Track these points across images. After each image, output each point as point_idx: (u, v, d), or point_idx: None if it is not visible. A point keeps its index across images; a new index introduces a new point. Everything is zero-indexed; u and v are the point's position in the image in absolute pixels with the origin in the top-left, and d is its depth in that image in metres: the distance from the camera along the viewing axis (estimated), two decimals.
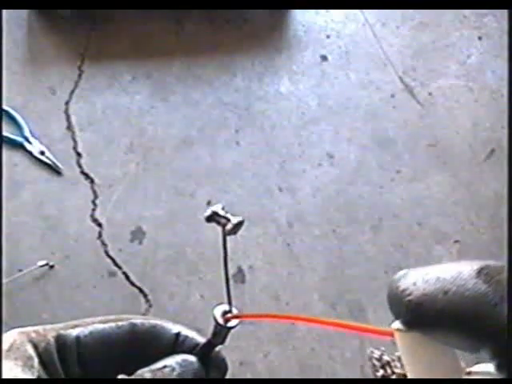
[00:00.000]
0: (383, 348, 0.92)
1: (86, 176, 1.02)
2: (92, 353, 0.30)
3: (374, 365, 0.91)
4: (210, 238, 0.98)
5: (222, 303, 0.32)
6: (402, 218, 1.02)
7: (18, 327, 0.29)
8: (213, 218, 0.31)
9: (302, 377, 0.90)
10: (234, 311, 0.32)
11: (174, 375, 0.30)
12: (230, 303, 0.32)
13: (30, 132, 1.03)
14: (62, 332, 0.30)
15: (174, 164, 1.04)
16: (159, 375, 0.29)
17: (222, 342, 0.32)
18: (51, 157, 1.02)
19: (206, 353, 0.32)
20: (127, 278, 0.95)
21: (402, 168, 1.06)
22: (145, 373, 0.29)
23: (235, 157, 1.05)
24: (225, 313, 0.32)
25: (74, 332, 0.30)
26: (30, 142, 1.02)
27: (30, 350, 0.28)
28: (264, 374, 0.90)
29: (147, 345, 0.31)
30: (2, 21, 1.11)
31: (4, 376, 0.27)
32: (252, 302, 0.94)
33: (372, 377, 0.90)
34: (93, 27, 1.13)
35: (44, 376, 0.28)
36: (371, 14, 1.20)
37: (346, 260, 0.98)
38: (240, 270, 0.96)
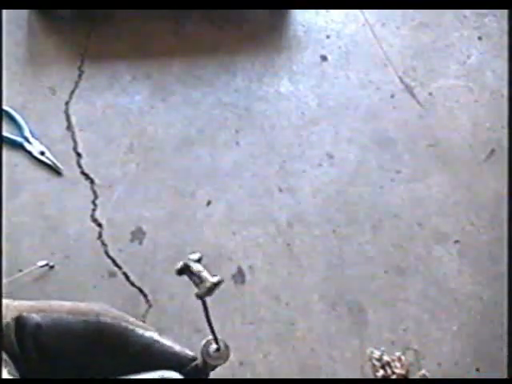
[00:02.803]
0: (383, 348, 0.92)
1: (86, 176, 1.02)
2: (52, 342, 0.29)
3: (373, 365, 0.91)
4: (210, 238, 0.98)
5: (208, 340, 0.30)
6: (402, 218, 1.02)
7: None
8: (184, 272, 0.27)
9: (302, 377, 0.90)
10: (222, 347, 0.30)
11: None
12: (216, 339, 0.30)
13: (30, 132, 1.03)
14: (23, 314, 0.29)
15: (174, 164, 1.04)
16: None
17: (213, 370, 0.31)
18: (51, 157, 1.02)
19: (194, 373, 0.30)
20: (127, 278, 0.95)
21: (402, 168, 1.06)
22: None
23: (235, 157, 1.05)
24: (211, 349, 0.30)
25: (36, 318, 0.29)
26: (30, 142, 1.02)
27: None
28: (264, 374, 0.90)
29: (116, 346, 0.30)
30: (2, 21, 1.11)
31: None
32: (252, 301, 0.94)
33: (372, 377, 0.90)
34: (93, 27, 1.13)
35: (8, 360, 0.27)
36: (371, 14, 1.20)
37: (345, 260, 0.98)
38: (240, 270, 0.96)
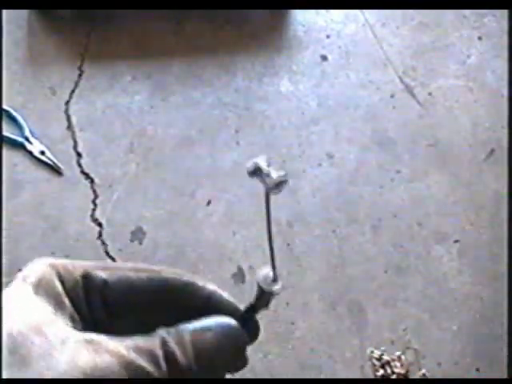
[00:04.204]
0: (383, 348, 0.92)
1: (86, 176, 1.02)
2: (117, 299, 0.29)
3: (374, 365, 0.91)
4: (210, 237, 0.98)
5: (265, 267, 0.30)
6: (402, 218, 1.02)
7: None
8: (255, 173, 0.28)
9: (301, 377, 0.90)
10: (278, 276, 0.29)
11: (215, 344, 0.28)
12: (274, 268, 0.30)
13: (30, 132, 1.03)
14: (90, 272, 0.29)
15: (174, 164, 1.04)
16: (200, 340, 0.27)
17: (267, 306, 0.31)
18: (51, 157, 1.02)
19: (247, 318, 0.30)
20: None
21: (402, 168, 1.06)
22: (185, 333, 0.27)
23: (235, 157, 1.05)
24: (268, 277, 0.30)
25: (103, 275, 0.29)
26: (30, 142, 1.02)
27: (59, 287, 0.27)
28: (264, 374, 0.90)
29: (178, 301, 0.30)
30: (2, 21, 1.11)
31: (36, 315, 0.25)
32: None
33: (372, 377, 0.90)
34: (93, 27, 1.13)
35: (75, 316, 0.27)
36: (371, 14, 1.20)
37: (345, 260, 0.98)
38: (240, 270, 0.96)
